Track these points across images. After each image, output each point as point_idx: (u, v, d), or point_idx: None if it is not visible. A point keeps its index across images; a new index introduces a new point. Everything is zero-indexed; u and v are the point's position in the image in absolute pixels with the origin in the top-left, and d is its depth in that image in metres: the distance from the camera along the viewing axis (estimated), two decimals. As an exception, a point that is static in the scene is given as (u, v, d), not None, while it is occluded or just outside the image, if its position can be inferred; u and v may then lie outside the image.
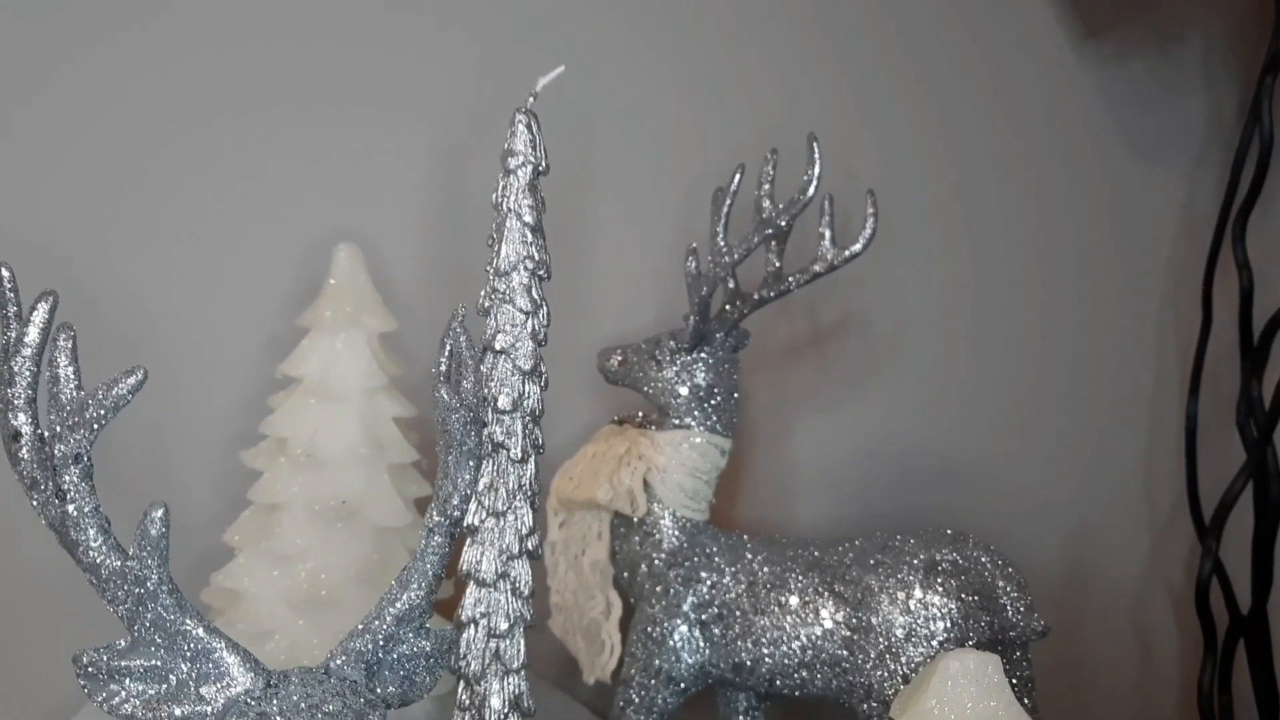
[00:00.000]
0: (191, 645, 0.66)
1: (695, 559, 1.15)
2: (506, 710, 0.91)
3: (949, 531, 1.10)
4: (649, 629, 1.15)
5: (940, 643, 1.03)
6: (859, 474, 1.43)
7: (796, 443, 1.43)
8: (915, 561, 1.07)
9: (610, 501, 1.17)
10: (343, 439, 1.07)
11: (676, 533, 1.17)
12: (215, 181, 1.21)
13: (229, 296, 1.21)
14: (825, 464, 1.42)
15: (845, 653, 1.07)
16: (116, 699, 0.65)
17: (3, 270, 0.68)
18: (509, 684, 0.91)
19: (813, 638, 1.09)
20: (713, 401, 1.18)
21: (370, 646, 0.69)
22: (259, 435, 1.11)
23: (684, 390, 1.18)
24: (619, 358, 1.22)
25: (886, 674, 1.05)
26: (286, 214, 1.22)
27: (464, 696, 0.91)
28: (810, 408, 1.42)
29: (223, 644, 0.66)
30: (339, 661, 0.68)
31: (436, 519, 0.72)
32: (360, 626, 0.70)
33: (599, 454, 1.20)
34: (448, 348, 0.79)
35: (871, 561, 1.08)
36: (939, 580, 1.05)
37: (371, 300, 1.12)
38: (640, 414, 1.22)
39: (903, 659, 1.04)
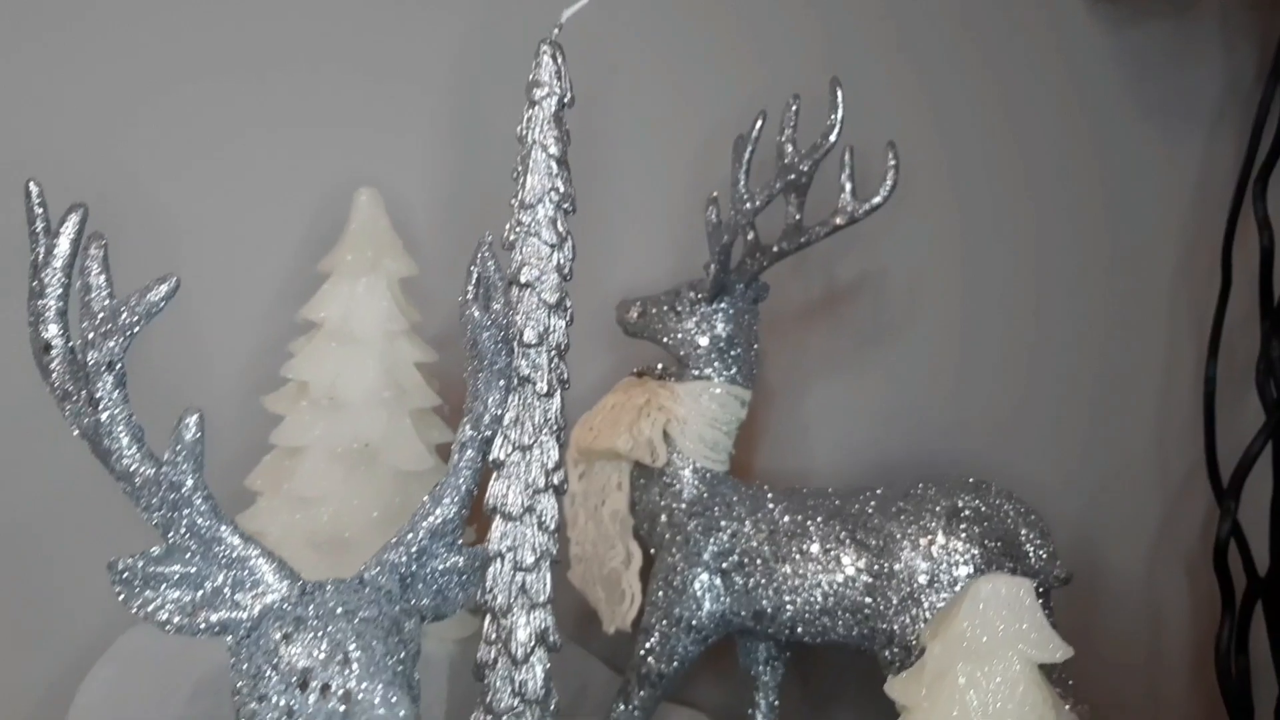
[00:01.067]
0: (227, 552, 0.65)
1: (715, 509, 1.15)
2: (533, 643, 0.90)
3: (970, 480, 1.10)
4: (669, 577, 1.15)
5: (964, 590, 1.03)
6: (873, 435, 1.42)
7: (810, 405, 1.43)
8: (938, 508, 1.07)
9: (630, 451, 1.16)
10: (364, 382, 1.07)
11: (696, 483, 1.17)
12: (234, 126, 1.21)
13: (247, 242, 1.21)
14: (839, 425, 1.42)
15: (867, 599, 1.07)
16: (152, 606, 0.64)
17: (31, 186, 0.68)
18: (535, 617, 0.91)
19: (834, 585, 1.08)
20: (733, 352, 1.18)
21: (404, 559, 0.69)
22: (280, 380, 1.11)
23: (704, 341, 1.17)
24: (638, 309, 1.22)
25: (909, 620, 1.04)
26: (305, 158, 1.22)
27: (490, 630, 0.91)
28: (824, 370, 1.42)
29: (257, 551, 0.66)
30: (373, 572, 0.68)
31: (469, 433, 0.72)
32: (394, 539, 0.70)
33: (618, 405, 1.19)
34: (475, 275, 0.78)
35: (893, 509, 1.08)
36: (962, 526, 1.05)
37: (392, 244, 1.11)
38: (660, 366, 1.22)
39: (925, 605, 1.04)
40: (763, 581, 1.11)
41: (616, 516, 1.21)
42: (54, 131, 1.19)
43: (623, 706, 1.17)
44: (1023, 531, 1.06)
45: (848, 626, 1.09)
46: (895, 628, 1.05)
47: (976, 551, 1.04)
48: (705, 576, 1.14)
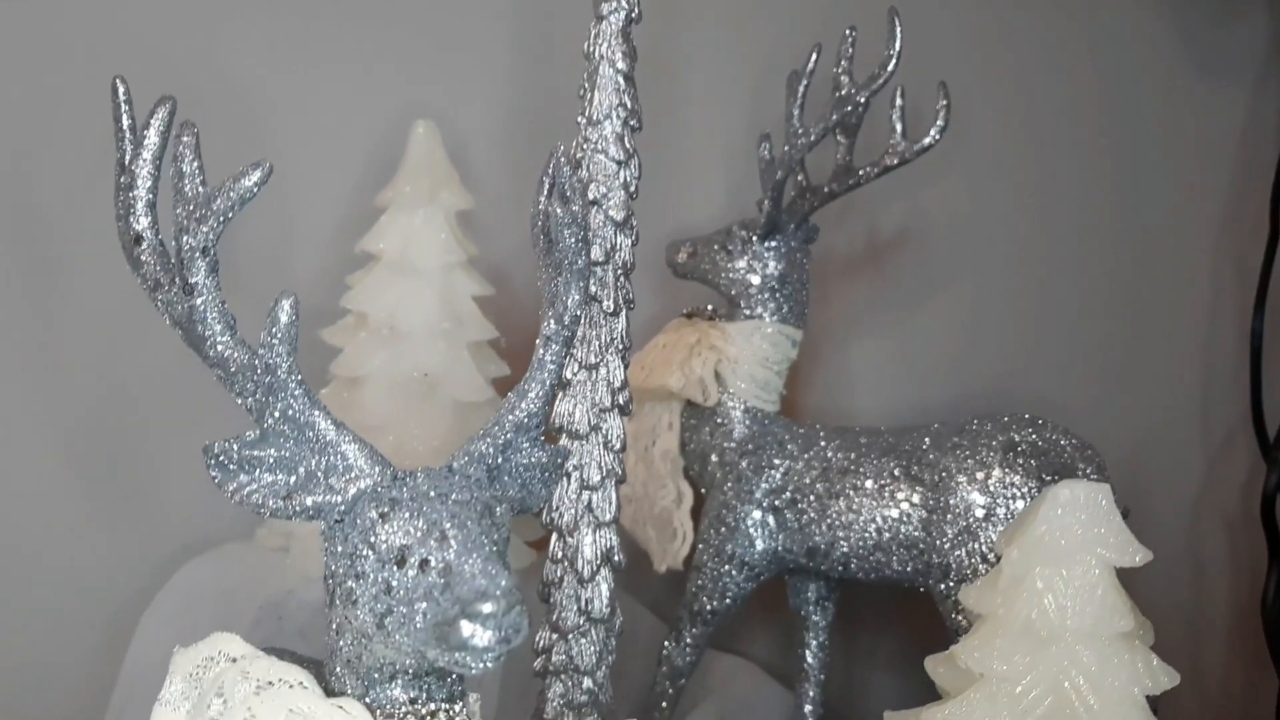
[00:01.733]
0: (320, 437, 0.65)
1: (767, 447, 1.15)
2: (599, 562, 0.91)
3: (1026, 415, 1.10)
4: (721, 515, 1.15)
5: (1020, 522, 1.03)
6: (915, 390, 1.42)
7: (853, 360, 1.43)
8: (994, 443, 1.06)
9: (682, 389, 1.17)
10: (423, 313, 1.07)
11: (748, 423, 1.17)
12: (290, 62, 1.21)
13: (304, 176, 1.20)
14: (883, 377, 1.42)
15: (922, 534, 1.07)
16: (247, 490, 0.65)
17: (117, 83, 0.68)
18: (601, 536, 0.91)
19: (889, 520, 1.08)
20: (785, 291, 1.18)
21: (490, 450, 0.69)
22: (339, 312, 1.11)
23: (755, 280, 1.18)
24: (688, 250, 1.22)
25: (965, 554, 1.04)
26: (361, 91, 1.21)
27: (556, 549, 0.91)
28: (866, 324, 1.42)
29: (349, 438, 0.66)
30: (461, 462, 0.68)
31: (553, 328, 0.72)
32: (481, 432, 0.70)
33: (670, 344, 1.20)
34: (550, 179, 0.78)
35: (949, 444, 1.08)
36: (1019, 460, 1.05)
37: (449, 177, 1.12)
38: (710, 307, 1.22)
39: (981, 539, 1.04)
40: (815, 518, 1.11)
41: (667, 456, 1.21)
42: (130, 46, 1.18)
43: (674, 644, 1.17)
44: (1080, 465, 1.06)
45: (902, 562, 1.09)
46: (950, 562, 1.05)
47: (1034, 485, 1.04)
48: (757, 514, 1.14)
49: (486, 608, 0.57)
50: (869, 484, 1.10)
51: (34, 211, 1.16)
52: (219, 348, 0.65)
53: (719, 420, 1.18)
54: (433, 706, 0.62)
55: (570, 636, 0.91)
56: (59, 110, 1.16)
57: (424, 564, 0.60)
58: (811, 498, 1.12)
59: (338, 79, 1.22)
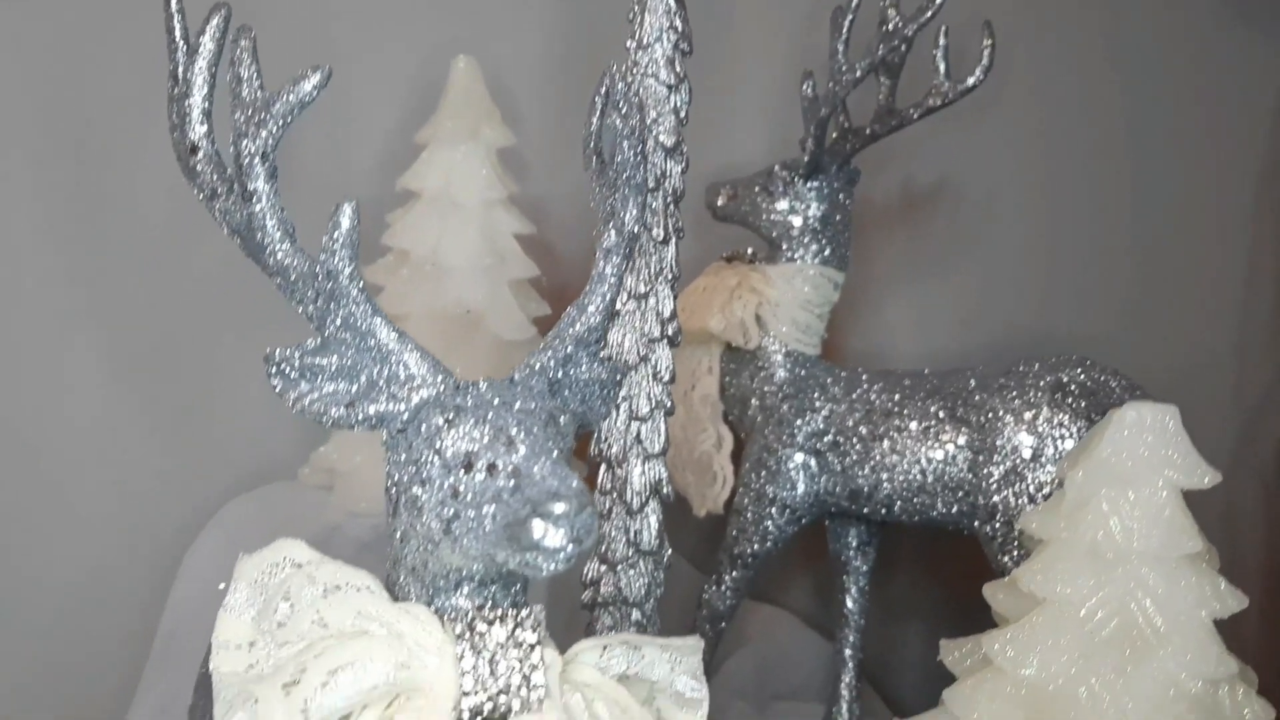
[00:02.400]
0: (381, 345, 0.64)
1: (809, 390, 1.14)
2: (648, 494, 0.90)
3: (1074, 356, 1.08)
4: (763, 458, 1.14)
5: (1069, 462, 1.02)
6: (953, 345, 1.41)
7: (888, 313, 1.41)
8: (1042, 383, 1.05)
9: (723, 332, 1.15)
10: (465, 249, 1.06)
11: (789, 366, 1.16)
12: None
13: (344, 113, 1.19)
14: (917, 335, 1.40)
15: (969, 475, 1.06)
16: (309, 398, 0.63)
17: None
18: (650, 468, 0.90)
19: (933, 461, 1.07)
20: (827, 233, 1.16)
21: (552, 363, 0.68)
22: (379, 249, 1.10)
23: (797, 222, 1.16)
24: (728, 192, 1.20)
25: (1012, 495, 1.03)
26: (401, 24, 1.19)
27: (605, 480, 0.91)
28: (901, 277, 1.41)
29: (411, 346, 0.65)
30: (523, 374, 0.67)
31: (613, 240, 0.70)
32: (542, 346, 0.69)
33: (710, 287, 1.18)
34: (600, 103, 0.77)
35: (996, 385, 1.06)
36: (1067, 400, 1.03)
37: (490, 113, 1.10)
38: (750, 249, 1.21)
39: (1029, 480, 1.03)
40: (858, 460, 1.10)
41: (707, 400, 1.20)
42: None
43: (714, 588, 1.17)
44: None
45: (947, 504, 1.07)
46: (997, 503, 1.03)
47: (1082, 425, 1.02)
48: (799, 456, 1.13)
49: (558, 507, 0.55)
50: (913, 426, 1.09)
51: (85, 127, 1.14)
52: (279, 255, 0.64)
53: (759, 364, 1.17)
54: (500, 611, 0.61)
55: (619, 568, 0.90)
56: (111, 24, 1.14)
57: (492, 468, 0.59)
58: (855, 440, 1.11)
59: (376, 15, 1.20)
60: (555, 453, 0.60)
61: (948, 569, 1.32)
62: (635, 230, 0.73)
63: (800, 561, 1.43)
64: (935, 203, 1.39)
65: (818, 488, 1.13)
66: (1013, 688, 0.74)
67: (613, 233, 0.70)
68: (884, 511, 1.10)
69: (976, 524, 1.05)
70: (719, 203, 1.21)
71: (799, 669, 1.28)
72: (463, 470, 0.60)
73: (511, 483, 0.58)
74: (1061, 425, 1.03)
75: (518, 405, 0.62)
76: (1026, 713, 0.73)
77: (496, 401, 0.62)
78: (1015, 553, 1.01)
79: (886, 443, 1.09)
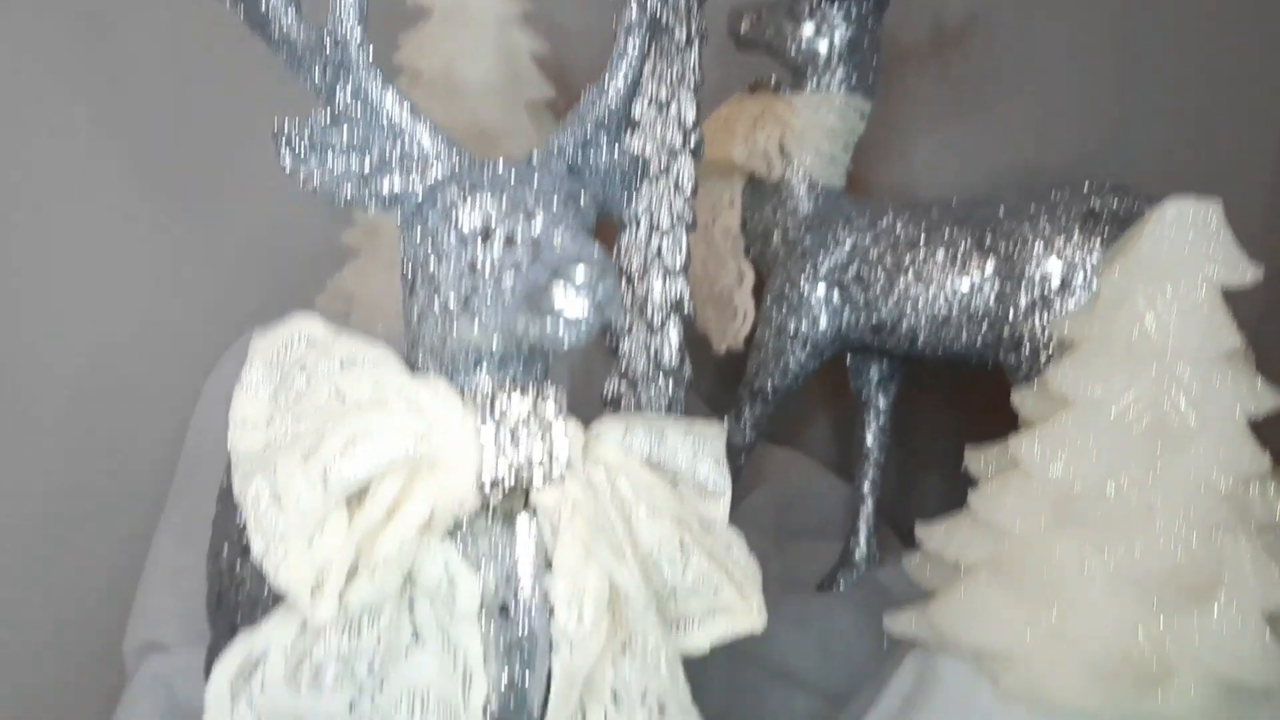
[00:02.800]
0: (392, 120, 0.62)
1: (833, 222, 1.11)
2: (668, 310, 0.88)
3: (1108, 182, 1.05)
4: (785, 291, 1.12)
5: (1099, 290, 0.99)
6: (982, 182, 1.37)
7: (917, 160, 1.37)
8: (1073, 210, 1.02)
9: (746, 161, 1.12)
10: (479, 67, 1.02)
11: (812, 198, 1.13)
12: None
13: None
14: (945, 171, 1.37)
15: (994, 305, 1.03)
16: (319, 175, 0.61)
17: None
18: (670, 284, 0.88)
19: (959, 292, 1.05)
20: (853, 60, 1.12)
21: (570, 146, 0.65)
22: (390, 70, 1.06)
23: (823, 47, 1.12)
24: (751, 17, 1.15)
25: (1038, 323, 1.01)
26: None
27: (624, 295, 0.89)
28: (930, 121, 1.36)
29: (424, 121, 0.63)
30: (541, 155, 0.64)
31: (634, 14, 0.67)
32: (562, 127, 0.66)
33: (732, 116, 1.15)
34: None
35: (1026, 213, 1.03)
36: (1099, 227, 1.00)
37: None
38: (774, 77, 1.16)
39: (1057, 308, 1.00)
40: (882, 293, 1.08)
41: (729, 234, 1.17)
42: None
43: (733, 422, 1.16)
44: (1163, 230, 1.01)
45: (972, 335, 1.05)
46: (1024, 332, 1.01)
47: (1114, 252, 1.00)
48: (822, 289, 1.11)
49: (579, 272, 0.54)
50: (939, 256, 1.06)
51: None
52: (284, 26, 0.61)
53: (782, 196, 1.14)
54: (520, 386, 0.60)
55: (639, 385, 0.89)
56: None
57: (510, 239, 0.57)
58: (879, 271, 1.08)
59: None
60: (575, 223, 0.58)
61: (967, 406, 1.31)
62: (658, 9, 0.69)
63: (818, 404, 1.42)
64: (966, 35, 1.33)
65: (840, 322, 1.11)
66: (1040, 487, 0.73)
67: (634, 7, 0.67)
68: (907, 345, 1.09)
69: (1002, 354, 1.04)
70: (742, 29, 1.16)
71: (817, 508, 1.28)
72: (480, 243, 0.58)
73: (530, 252, 0.57)
74: (1092, 252, 1.00)
75: (536, 182, 0.60)
76: (1053, 512, 0.72)
77: (514, 178, 0.60)
78: (1041, 381, 1.00)
79: (911, 274, 1.07)
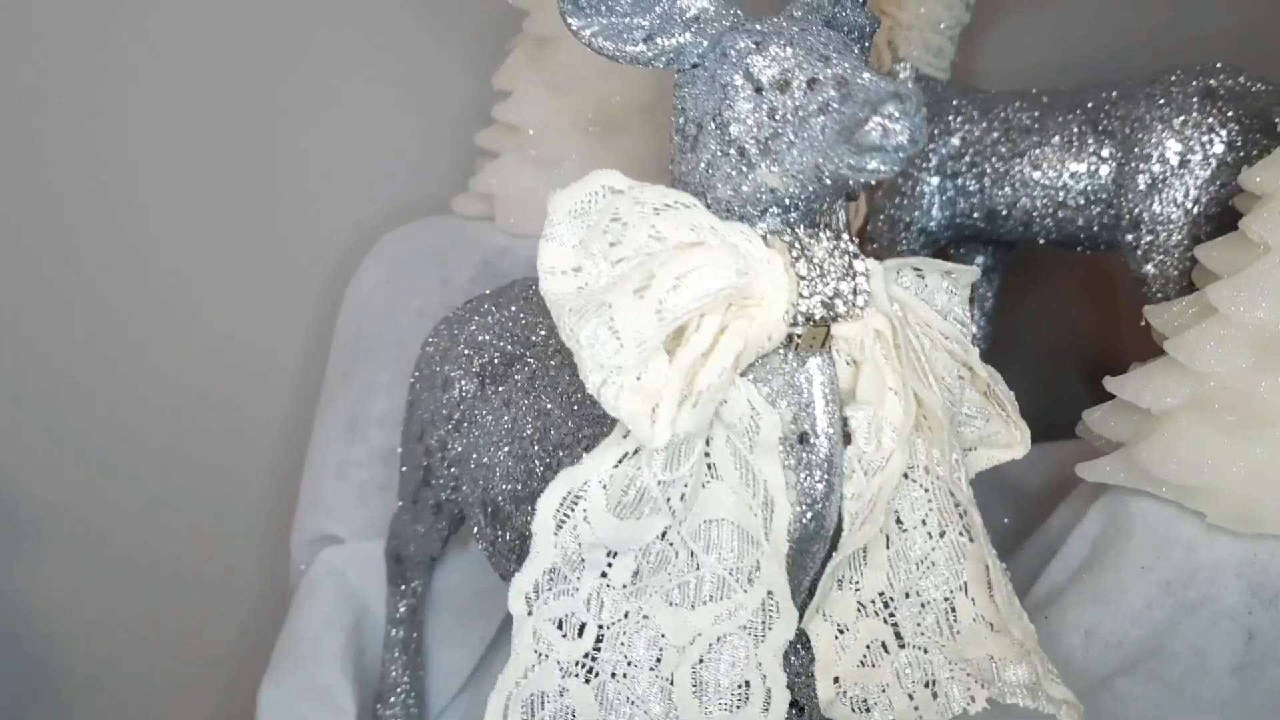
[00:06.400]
0: None
1: (943, 114, 1.13)
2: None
3: (1220, 63, 1.08)
4: (897, 183, 1.14)
5: (1218, 166, 1.03)
6: (1089, 68, 1.36)
7: (1019, 33, 1.36)
8: (1189, 88, 1.04)
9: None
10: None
11: (921, 90, 1.15)
12: None
13: None
14: (1051, 57, 1.36)
15: (1112, 187, 1.07)
16: (606, 32, 0.62)
17: None
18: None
19: (1076, 175, 1.08)
20: (958, -50, 1.14)
21: (827, 3, 0.67)
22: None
23: (928, -60, 1.14)
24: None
25: (1158, 204, 1.04)
26: None
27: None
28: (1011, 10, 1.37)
29: None
30: (802, 10, 0.66)
31: None
32: None
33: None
34: None
35: (1141, 94, 1.06)
36: (1217, 105, 1.03)
37: None
38: (879, -27, 1.18)
39: (1177, 185, 1.04)
40: (996, 180, 1.11)
41: (838, 129, 1.19)
42: None
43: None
44: (1277, 108, 1.05)
45: (1088, 219, 1.08)
46: (1142, 212, 1.04)
47: (1233, 127, 1.02)
48: (935, 180, 1.14)
49: (897, 106, 0.56)
50: (1055, 140, 1.09)
51: None
52: None
53: (892, 90, 1.16)
54: (819, 226, 0.62)
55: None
56: None
57: (812, 82, 0.59)
58: (994, 159, 1.11)
59: None
60: (866, 64, 0.60)
61: (1072, 297, 1.34)
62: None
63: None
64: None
65: (953, 211, 1.14)
66: (1239, 331, 0.76)
67: None
68: (1021, 230, 1.12)
69: (1119, 235, 1.07)
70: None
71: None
72: (778, 91, 0.59)
73: (839, 92, 0.58)
74: (1211, 130, 1.03)
75: (818, 32, 0.62)
76: (1255, 354, 0.76)
77: (796, 29, 0.62)
78: (1159, 258, 1.03)
79: (1026, 160, 1.09)
